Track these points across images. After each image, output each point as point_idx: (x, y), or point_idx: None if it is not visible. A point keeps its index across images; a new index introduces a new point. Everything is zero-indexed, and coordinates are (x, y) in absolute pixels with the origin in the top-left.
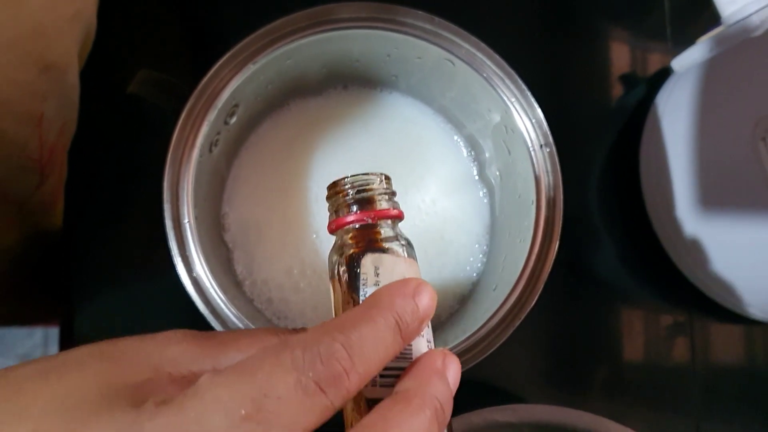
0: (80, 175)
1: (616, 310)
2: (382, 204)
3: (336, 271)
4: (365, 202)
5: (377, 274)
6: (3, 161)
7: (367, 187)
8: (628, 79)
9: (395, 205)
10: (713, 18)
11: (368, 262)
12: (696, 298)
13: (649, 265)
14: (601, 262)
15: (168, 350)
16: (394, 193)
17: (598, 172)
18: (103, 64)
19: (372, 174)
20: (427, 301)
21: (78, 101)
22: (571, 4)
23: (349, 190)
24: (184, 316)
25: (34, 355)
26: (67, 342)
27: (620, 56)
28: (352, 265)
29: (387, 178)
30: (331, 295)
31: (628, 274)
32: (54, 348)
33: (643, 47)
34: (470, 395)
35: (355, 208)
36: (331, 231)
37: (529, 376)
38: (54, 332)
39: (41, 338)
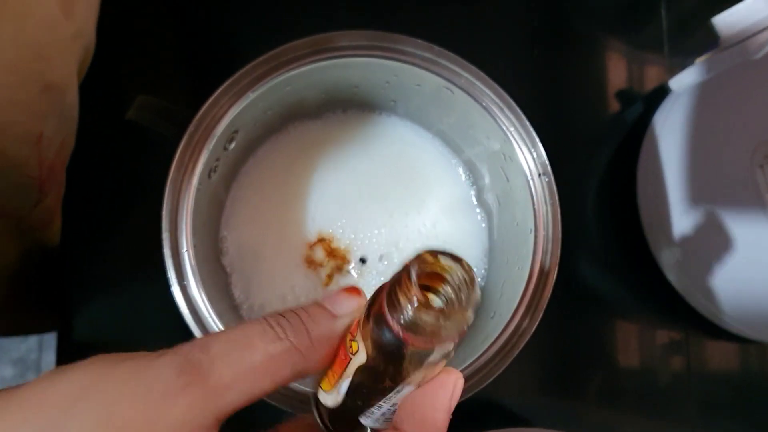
0: (79, 193)
1: (613, 327)
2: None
3: (373, 351)
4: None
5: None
6: (2, 179)
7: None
8: (625, 96)
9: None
10: (710, 33)
11: (410, 368)
12: (692, 317)
13: (645, 284)
14: (597, 279)
15: None
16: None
17: (595, 189)
18: (103, 88)
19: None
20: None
21: (77, 118)
22: (568, 21)
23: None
24: (177, 326)
25: (29, 359)
26: (65, 349)
27: (617, 72)
28: (392, 360)
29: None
30: (358, 350)
31: (625, 292)
32: (49, 353)
33: (640, 62)
34: (465, 414)
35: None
36: (377, 314)
37: (527, 393)
38: (49, 337)
39: (36, 343)
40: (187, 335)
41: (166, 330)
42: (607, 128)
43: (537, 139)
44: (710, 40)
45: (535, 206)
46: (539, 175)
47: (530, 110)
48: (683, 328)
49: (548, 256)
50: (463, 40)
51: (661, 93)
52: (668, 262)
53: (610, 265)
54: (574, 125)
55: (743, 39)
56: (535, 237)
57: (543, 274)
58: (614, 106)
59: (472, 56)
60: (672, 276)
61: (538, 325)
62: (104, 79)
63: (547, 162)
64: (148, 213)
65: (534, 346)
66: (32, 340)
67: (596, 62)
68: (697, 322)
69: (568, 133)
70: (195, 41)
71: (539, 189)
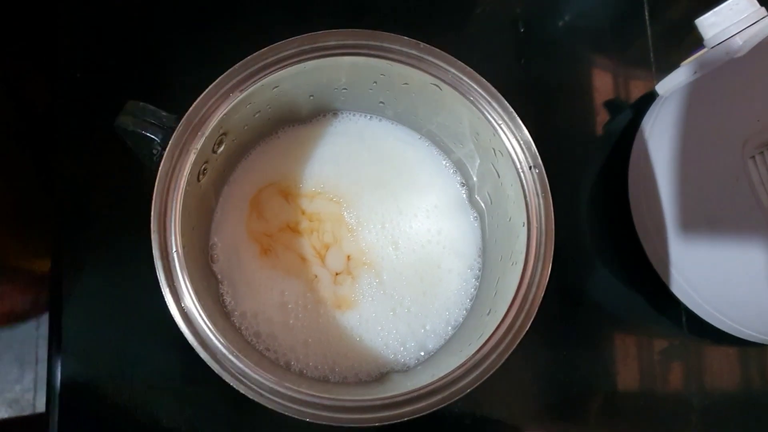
0: (71, 205)
1: (610, 334)
2: None
3: None
4: None
5: None
6: None
7: None
8: (613, 105)
9: None
10: (695, 44)
11: None
12: (689, 320)
13: (641, 289)
14: (593, 287)
15: None
16: None
17: (587, 199)
18: (90, 96)
19: None
20: None
21: None
22: (555, 34)
23: None
24: (174, 343)
25: (25, 399)
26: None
27: (605, 84)
28: None
29: None
30: None
31: (621, 298)
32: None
33: (627, 74)
34: (463, 426)
35: None
36: None
37: (524, 405)
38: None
39: (31, 383)
40: (183, 346)
41: (162, 344)
42: (596, 138)
43: (526, 132)
44: (694, 50)
45: (527, 199)
46: (530, 167)
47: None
48: (681, 333)
49: (542, 249)
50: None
51: (649, 100)
52: (663, 264)
53: (605, 271)
54: (563, 136)
55: (726, 38)
56: (528, 230)
57: (537, 267)
58: (603, 116)
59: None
60: (667, 278)
61: (535, 331)
62: (91, 88)
63: (537, 154)
64: (139, 231)
65: (531, 355)
66: (27, 379)
67: (584, 75)
68: (694, 326)
69: (558, 143)
70: (183, 46)
71: (530, 182)
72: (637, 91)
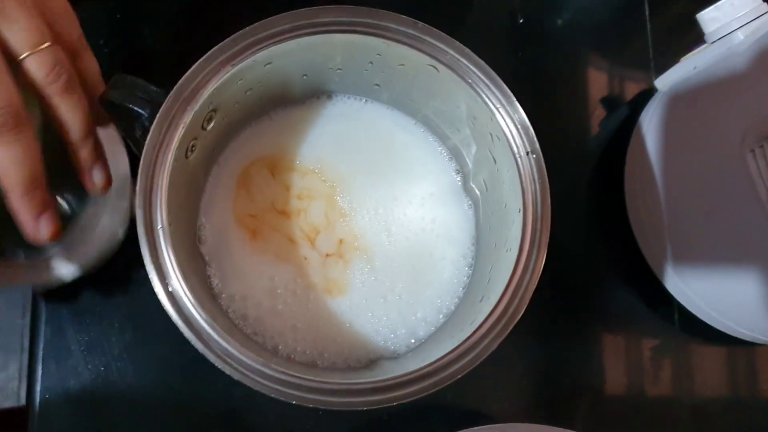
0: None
1: (602, 329)
2: None
3: None
4: None
5: None
6: None
7: None
8: (610, 101)
9: None
10: (693, 42)
11: None
12: (682, 317)
13: (635, 285)
14: (587, 283)
15: None
16: None
17: (583, 194)
18: None
19: None
20: None
21: None
22: (554, 28)
23: None
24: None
25: (9, 388)
26: None
27: (603, 79)
28: None
29: None
30: None
31: (614, 294)
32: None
33: (625, 71)
34: (452, 419)
35: None
36: None
37: (514, 398)
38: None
39: (16, 371)
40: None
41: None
42: (592, 134)
43: (524, 116)
44: (692, 47)
45: (524, 185)
46: (527, 153)
47: None
48: (674, 330)
49: (538, 235)
50: None
51: (646, 97)
52: (658, 260)
53: (599, 268)
54: (559, 133)
55: (728, 33)
56: (524, 216)
57: (532, 253)
58: (600, 112)
59: None
60: (661, 275)
61: (525, 327)
62: None
63: (535, 139)
64: None
65: (520, 350)
66: (12, 368)
67: (581, 72)
68: (687, 324)
69: (554, 141)
70: (173, 22)
71: (527, 167)
72: (635, 88)
